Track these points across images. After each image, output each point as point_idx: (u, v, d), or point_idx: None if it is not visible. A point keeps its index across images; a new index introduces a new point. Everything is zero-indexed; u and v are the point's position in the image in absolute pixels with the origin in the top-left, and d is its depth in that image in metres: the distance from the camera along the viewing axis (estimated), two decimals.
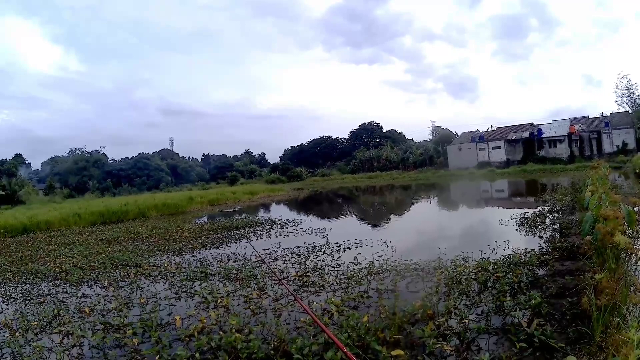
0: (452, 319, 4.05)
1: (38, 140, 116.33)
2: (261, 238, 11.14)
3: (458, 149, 52.62)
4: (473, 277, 5.47)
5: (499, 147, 49.35)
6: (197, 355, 3.59)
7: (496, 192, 25.15)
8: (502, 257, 6.36)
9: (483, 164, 48.29)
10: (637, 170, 21.72)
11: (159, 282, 6.88)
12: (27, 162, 76.42)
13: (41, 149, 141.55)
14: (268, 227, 13.23)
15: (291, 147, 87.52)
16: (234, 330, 4.02)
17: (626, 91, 53.63)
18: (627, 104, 53.55)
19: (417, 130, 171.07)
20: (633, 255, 3.47)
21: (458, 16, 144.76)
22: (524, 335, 3.45)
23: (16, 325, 5.04)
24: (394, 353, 3.26)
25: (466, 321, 3.92)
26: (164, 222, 17.01)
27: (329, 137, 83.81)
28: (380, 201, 24.56)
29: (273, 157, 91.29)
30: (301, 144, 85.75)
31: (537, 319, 3.65)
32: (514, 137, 49.07)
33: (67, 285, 7.22)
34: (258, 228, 13.04)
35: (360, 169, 63.48)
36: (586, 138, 44.79)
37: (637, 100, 53.03)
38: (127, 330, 4.47)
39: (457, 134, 63.52)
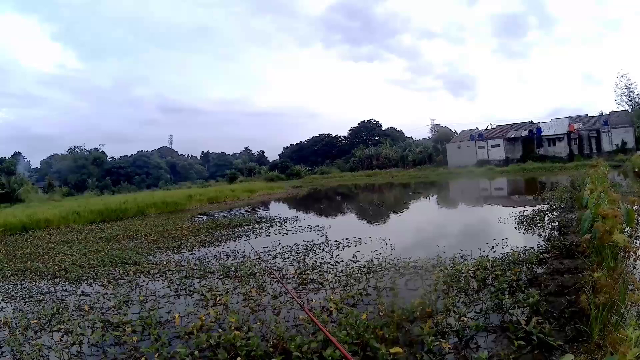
0: (450, 317, 4.06)
1: (36, 138, 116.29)
2: (260, 236, 11.15)
3: (457, 147, 52.59)
4: (472, 275, 5.48)
5: (498, 146, 49.33)
6: (196, 352, 3.60)
7: (495, 190, 25.18)
8: (501, 255, 6.37)
9: (482, 162, 48.27)
10: (636, 169, 21.74)
11: (158, 280, 6.88)
12: (26, 159, 76.33)
13: (40, 147, 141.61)
14: (267, 224, 13.23)
15: (290, 144, 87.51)
16: (233, 328, 4.03)
17: (625, 90, 53.66)
18: (626, 102, 53.60)
19: (417, 128, 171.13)
20: (631, 253, 3.48)
21: (457, 14, 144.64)
22: (523, 333, 3.46)
23: (16, 324, 5.04)
24: (392, 350, 3.27)
25: (465, 319, 3.93)
26: (163, 220, 17.01)
27: (328, 134, 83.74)
28: (379, 199, 24.57)
29: (272, 155, 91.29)
30: (300, 142, 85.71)
31: (536, 317, 3.66)
32: (513, 136, 49.06)
33: (67, 283, 7.22)
34: (257, 226, 13.04)
35: (359, 166, 63.43)
36: (585, 137, 44.78)
37: (637, 99, 53.06)
38: (126, 328, 4.48)
39: (456, 132, 63.39)
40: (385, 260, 6.87)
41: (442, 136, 63.59)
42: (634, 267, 3.86)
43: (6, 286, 7.34)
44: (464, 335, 3.65)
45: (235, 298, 5.43)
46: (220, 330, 4.10)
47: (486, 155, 49.74)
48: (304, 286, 5.79)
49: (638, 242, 5.11)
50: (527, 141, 47.88)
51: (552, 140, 46.48)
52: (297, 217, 15.33)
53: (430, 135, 74.88)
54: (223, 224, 13.82)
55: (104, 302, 5.74)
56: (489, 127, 55.19)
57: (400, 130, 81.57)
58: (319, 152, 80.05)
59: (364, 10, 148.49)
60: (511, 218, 10.69)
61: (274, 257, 7.99)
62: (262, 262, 7.46)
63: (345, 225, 13.78)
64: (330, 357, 3.21)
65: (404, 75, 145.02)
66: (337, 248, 8.54)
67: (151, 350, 3.78)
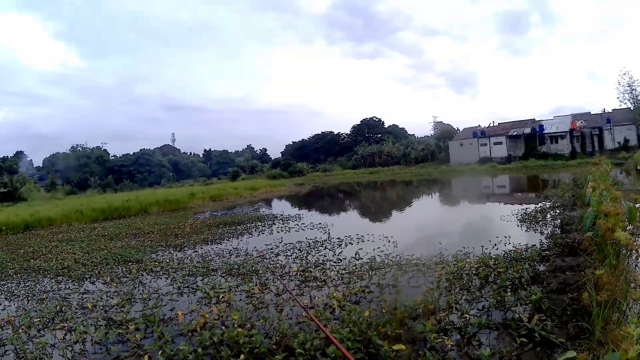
0: (453, 314, 4.07)
1: (39, 137, 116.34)
2: (263, 233, 11.17)
3: (459, 145, 52.42)
4: (474, 272, 5.49)
5: (501, 143, 49.12)
6: (199, 350, 3.62)
7: (497, 187, 25.12)
8: (503, 253, 6.36)
9: (484, 159, 48.13)
10: (639, 167, 21.66)
11: (161, 278, 6.91)
12: (28, 158, 76.52)
13: (42, 146, 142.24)
14: (270, 222, 13.25)
15: (292, 142, 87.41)
16: (236, 325, 4.05)
17: (628, 88, 52.98)
18: (629, 100, 52.91)
19: (419, 125, 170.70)
20: (633, 251, 3.48)
21: (460, 10, 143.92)
22: (525, 330, 3.47)
23: (19, 322, 5.07)
24: (395, 347, 3.28)
25: (467, 316, 3.94)
26: (166, 218, 17.06)
27: (331, 132, 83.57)
28: (381, 196, 24.55)
29: (274, 153, 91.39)
30: (303, 139, 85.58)
31: (538, 314, 3.66)
32: (515, 133, 48.86)
33: (70, 281, 7.26)
34: (260, 223, 13.07)
35: (361, 164, 63.30)
36: (588, 134, 44.58)
37: (639, 97, 52.69)
38: (129, 325, 4.50)
39: (458, 129, 63.17)
40: (388, 258, 6.87)
41: (445, 134, 63.34)
42: (636, 265, 3.86)
43: (9, 285, 7.38)
44: (466, 332, 3.65)
45: (238, 295, 5.45)
46: (223, 327, 4.12)
47: (488, 152, 49.57)
48: (307, 283, 5.81)
49: None
50: (529, 139, 47.69)
51: (555, 137, 46.29)
52: (299, 214, 15.35)
53: (433, 132, 74.63)
54: (225, 222, 13.85)
55: (107, 300, 5.77)
56: (492, 125, 54.97)
57: (403, 128, 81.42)
58: (321, 149, 79.96)
59: (366, 7, 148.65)
60: (513, 215, 10.67)
61: (277, 255, 8.01)
62: (264, 261, 7.48)
63: (348, 222, 13.78)
64: (333, 354, 3.22)
65: (407, 73, 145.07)
66: (340, 245, 8.55)
67: (154, 347, 3.80)
